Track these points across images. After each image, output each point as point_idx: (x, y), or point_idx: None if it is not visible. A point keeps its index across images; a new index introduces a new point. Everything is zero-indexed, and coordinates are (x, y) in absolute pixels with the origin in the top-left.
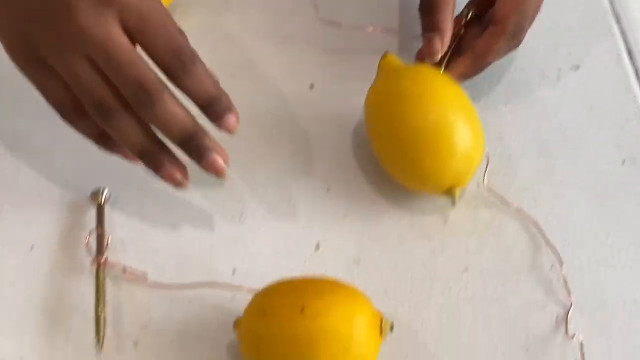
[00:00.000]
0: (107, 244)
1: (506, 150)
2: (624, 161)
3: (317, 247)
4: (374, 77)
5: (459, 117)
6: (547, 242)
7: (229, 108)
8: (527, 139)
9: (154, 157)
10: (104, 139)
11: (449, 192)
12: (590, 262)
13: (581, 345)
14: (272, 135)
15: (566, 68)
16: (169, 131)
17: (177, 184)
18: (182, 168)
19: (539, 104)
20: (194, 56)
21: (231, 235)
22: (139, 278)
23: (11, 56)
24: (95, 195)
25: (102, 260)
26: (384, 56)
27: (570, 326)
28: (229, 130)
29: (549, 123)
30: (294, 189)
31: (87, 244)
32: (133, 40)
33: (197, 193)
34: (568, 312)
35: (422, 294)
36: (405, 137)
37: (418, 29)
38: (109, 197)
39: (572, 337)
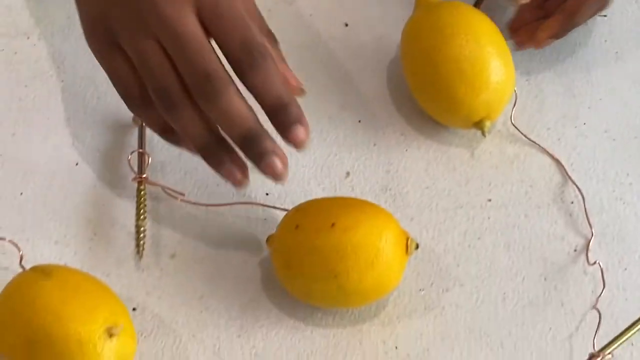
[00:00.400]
0: (147, 164)
1: (533, 91)
2: None
3: (347, 175)
4: (408, 16)
5: (492, 51)
6: (570, 177)
7: (298, 119)
8: (554, 81)
9: (214, 154)
10: (168, 132)
11: (480, 124)
12: (610, 199)
13: (602, 271)
14: (308, 70)
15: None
16: (230, 128)
17: (237, 183)
18: (243, 167)
19: (566, 49)
20: (264, 53)
21: None
22: (177, 196)
23: (88, 40)
24: (137, 118)
25: (143, 177)
26: None
27: (590, 255)
28: (296, 145)
29: (576, 67)
30: (326, 120)
31: (130, 162)
32: (207, 30)
33: None
34: (589, 242)
35: (446, 221)
36: (440, 69)
37: None
38: None
39: (594, 263)
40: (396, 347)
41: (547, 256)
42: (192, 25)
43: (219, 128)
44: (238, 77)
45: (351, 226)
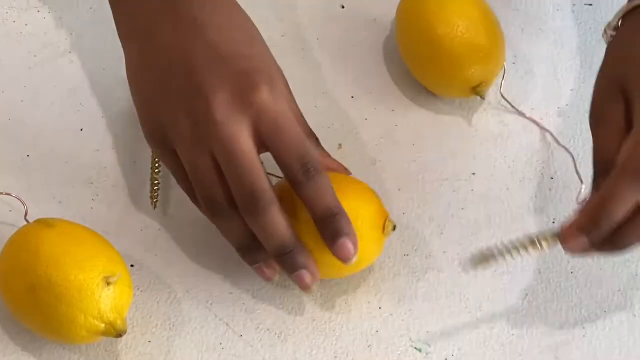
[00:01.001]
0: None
1: (519, 71)
2: None
3: (340, 146)
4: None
5: (485, 19)
6: (557, 141)
7: (345, 231)
8: (539, 63)
9: (249, 254)
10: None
11: (478, 88)
12: (589, 174)
13: None
14: (305, 47)
15: (580, 3)
16: (267, 242)
17: (266, 278)
18: (273, 267)
19: (552, 33)
20: (318, 168)
21: None
22: None
23: (147, 139)
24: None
25: None
26: None
27: None
28: (342, 258)
29: (561, 50)
30: (320, 94)
31: None
32: (263, 142)
33: None
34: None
35: (432, 192)
36: (436, 37)
37: None
38: None
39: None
40: (380, 307)
41: (526, 227)
42: (245, 144)
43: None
44: (292, 187)
45: None
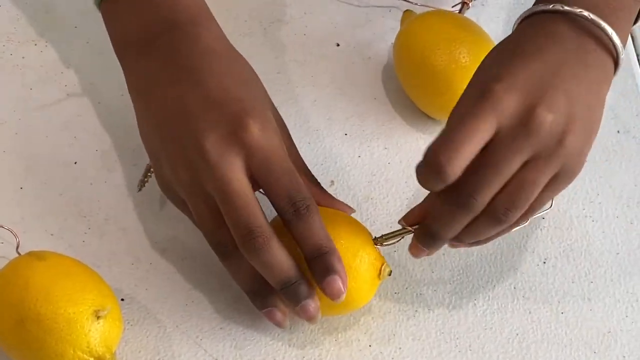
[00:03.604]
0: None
1: None
2: (618, 131)
3: (332, 183)
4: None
5: (482, 50)
6: None
7: (335, 269)
8: None
9: (258, 298)
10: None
11: None
12: (580, 216)
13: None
14: (299, 84)
15: None
16: (270, 277)
17: (277, 323)
18: (283, 311)
19: None
20: (309, 205)
21: None
22: None
23: (165, 194)
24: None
25: None
26: (404, 12)
27: (559, 268)
28: (331, 295)
29: None
30: (314, 131)
31: None
32: (255, 179)
33: None
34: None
35: None
36: (435, 63)
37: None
38: None
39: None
40: (370, 345)
41: (517, 267)
42: (238, 183)
43: None
44: (284, 224)
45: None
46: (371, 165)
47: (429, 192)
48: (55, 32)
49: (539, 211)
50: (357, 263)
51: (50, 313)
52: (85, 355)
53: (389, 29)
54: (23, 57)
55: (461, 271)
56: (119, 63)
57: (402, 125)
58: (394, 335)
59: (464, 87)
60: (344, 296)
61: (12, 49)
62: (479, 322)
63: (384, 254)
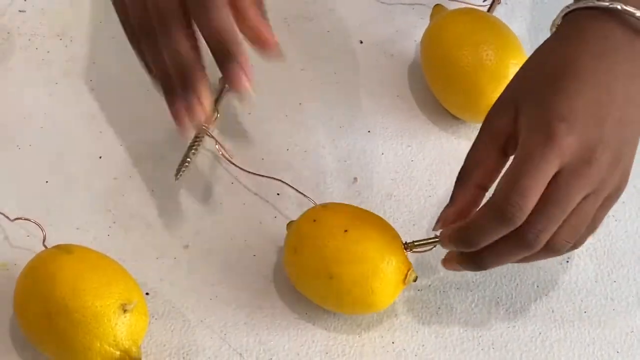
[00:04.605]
0: (215, 118)
1: None
2: None
3: (355, 180)
4: (419, 37)
5: (510, 46)
6: None
7: (237, 59)
8: None
9: (168, 92)
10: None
11: None
12: None
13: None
14: (323, 81)
15: None
16: (172, 57)
17: (180, 123)
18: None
19: None
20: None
21: (280, 160)
22: (227, 153)
23: None
24: (223, 80)
25: (207, 125)
26: (434, 7)
27: (582, 268)
28: (234, 83)
29: None
30: (337, 128)
31: None
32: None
33: None
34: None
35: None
36: (461, 63)
37: None
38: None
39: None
40: (393, 342)
41: (540, 265)
42: None
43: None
44: (192, 17)
45: (361, 239)
46: (394, 162)
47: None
48: (80, 27)
49: None
50: (384, 265)
51: (78, 306)
52: (111, 349)
53: (412, 26)
54: (48, 52)
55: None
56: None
57: (426, 123)
58: (417, 332)
59: (489, 88)
60: (248, 87)
61: (37, 44)
62: (501, 320)
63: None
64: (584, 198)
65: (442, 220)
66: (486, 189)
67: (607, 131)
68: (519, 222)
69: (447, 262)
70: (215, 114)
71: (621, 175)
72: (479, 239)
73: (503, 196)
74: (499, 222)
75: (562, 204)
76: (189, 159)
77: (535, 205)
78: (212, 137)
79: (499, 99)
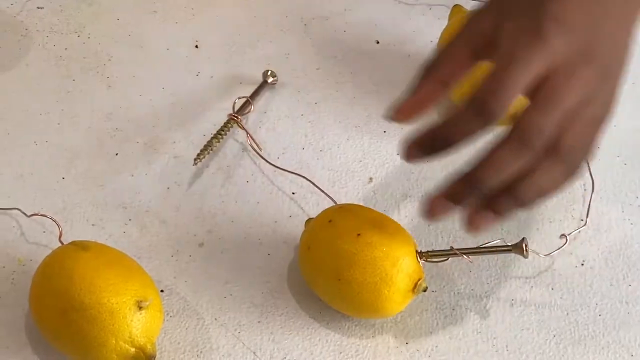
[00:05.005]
0: (248, 110)
1: None
2: None
3: (370, 180)
4: (435, 38)
5: None
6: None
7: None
8: None
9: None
10: None
11: (516, 117)
12: (618, 219)
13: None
14: (338, 80)
15: None
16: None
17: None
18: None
19: None
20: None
21: (295, 159)
22: (257, 149)
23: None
24: (266, 73)
25: (237, 116)
26: (453, 7)
27: (597, 271)
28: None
29: None
30: (353, 128)
31: (234, 104)
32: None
33: None
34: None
35: (462, 229)
36: (472, 72)
37: None
38: (275, 83)
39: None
40: (407, 343)
41: (555, 268)
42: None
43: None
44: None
45: (374, 243)
46: (409, 163)
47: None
48: (97, 25)
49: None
50: (394, 272)
51: (94, 303)
52: (127, 345)
53: (429, 26)
54: (66, 49)
55: (499, 271)
56: (158, 57)
57: None
58: (431, 333)
59: None
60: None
61: (55, 40)
62: (516, 322)
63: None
64: (580, 103)
65: (399, 109)
66: (448, 87)
67: (600, 37)
68: (499, 117)
69: (471, 223)
70: (250, 106)
71: (609, 95)
72: (454, 135)
73: (485, 90)
74: (478, 116)
75: (557, 104)
76: (212, 146)
77: (531, 102)
78: (244, 128)
79: (485, 2)
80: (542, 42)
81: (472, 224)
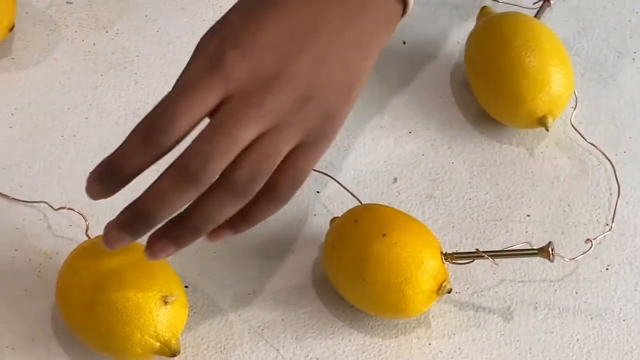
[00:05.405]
0: None
1: (578, 116)
2: None
3: (395, 180)
4: (462, 38)
5: (554, 53)
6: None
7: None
8: (599, 109)
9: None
10: None
11: (543, 120)
12: None
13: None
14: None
15: None
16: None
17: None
18: None
19: (612, 80)
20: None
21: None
22: None
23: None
24: None
25: None
26: (482, 9)
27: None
28: (148, 250)
29: (620, 98)
30: (378, 129)
31: None
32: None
33: None
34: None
35: (486, 231)
36: (504, 67)
37: None
38: None
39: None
40: (429, 344)
41: (579, 272)
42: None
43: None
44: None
45: (399, 243)
46: (435, 164)
47: None
48: (126, 20)
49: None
50: (419, 273)
51: (120, 297)
52: (151, 340)
53: (456, 27)
54: (94, 44)
55: (523, 274)
56: (186, 55)
57: (466, 125)
58: (454, 334)
59: (529, 93)
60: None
61: (83, 35)
62: (539, 325)
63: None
64: (264, 134)
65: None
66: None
67: (295, 66)
68: (165, 146)
69: (149, 250)
70: None
71: (321, 119)
72: (125, 166)
73: (148, 117)
74: (146, 146)
75: (227, 131)
76: None
77: (199, 134)
78: None
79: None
80: (217, 69)
81: (150, 252)
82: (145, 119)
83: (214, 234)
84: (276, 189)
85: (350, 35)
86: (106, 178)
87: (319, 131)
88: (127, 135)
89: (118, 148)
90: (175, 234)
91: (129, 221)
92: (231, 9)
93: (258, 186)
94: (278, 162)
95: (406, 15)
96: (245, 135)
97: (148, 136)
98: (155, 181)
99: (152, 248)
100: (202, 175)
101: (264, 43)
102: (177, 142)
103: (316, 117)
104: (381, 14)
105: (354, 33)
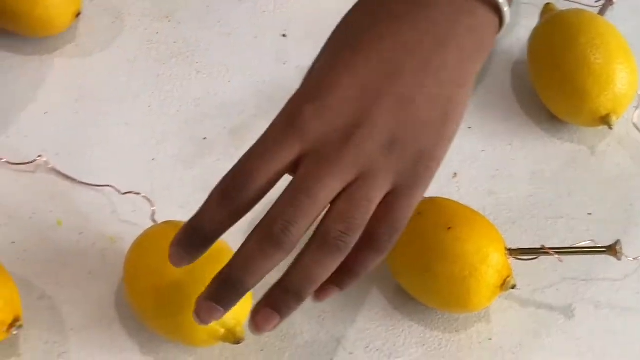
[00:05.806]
0: None
1: None
2: None
3: (455, 175)
4: (522, 34)
5: (618, 50)
6: None
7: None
8: None
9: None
10: None
11: (606, 118)
12: None
13: None
14: None
15: None
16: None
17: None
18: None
19: None
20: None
21: None
22: None
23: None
24: None
25: None
26: (545, 5)
27: None
28: (254, 324)
29: None
30: None
31: None
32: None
33: None
34: None
35: (547, 228)
36: (568, 65)
37: None
38: None
39: None
40: (490, 339)
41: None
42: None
43: None
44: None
45: (464, 238)
46: (494, 160)
47: None
48: (187, 10)
49: None
50: (484, 268)
51: (190, 281)
52: (217, 326)
53: (519, 24)
54: (157, 33)
55: (584, 272)
56: (246, 45)
57: (527, 122)
58: (516, 330)
59: (593, 91)
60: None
61: (146, 24)
62: (601, 324)
63: None
64: (352, 184)
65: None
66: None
67: (377, 112)
68: (244, 204)
69: (252, 318)
70: None
71: (413, 160)
72: (205, 226)
73: (226, 177)
74: (222, 204)
75: (307, 189)
76: None
77: (281, 194)
78: None
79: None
80: (291, 126)
81: (255, 326)
82: (223, 179)
83: (320, 293)
84: (375, 237)
85: (438, 67)
86: (188, 242)
87: (413, 173)
88: (184, 124)
89: (198, 210)
90: (277, 301)
91: (219, 291)
92: (315, 60)
93: (354, 237)
94: (371, 210)
95: (503, 27)
96: (327, 191)
97: (226, 195)
98: (241, 247)
99: (256, 321)
100: (286, 237)
101: (341, 94)
102: (256, 200)
103: (407, 159)
104: (475, 34)
105: (444, 64)
